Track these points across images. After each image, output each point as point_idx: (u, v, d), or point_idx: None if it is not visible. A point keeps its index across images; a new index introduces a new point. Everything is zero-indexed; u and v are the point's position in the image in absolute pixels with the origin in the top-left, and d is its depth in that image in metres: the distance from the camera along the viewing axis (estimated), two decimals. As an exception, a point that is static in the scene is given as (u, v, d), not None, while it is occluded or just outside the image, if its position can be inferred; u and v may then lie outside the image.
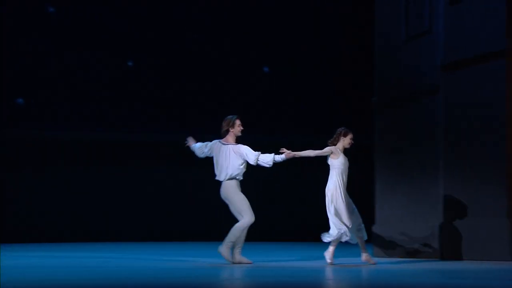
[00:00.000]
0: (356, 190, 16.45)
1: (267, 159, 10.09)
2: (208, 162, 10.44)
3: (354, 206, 10.04)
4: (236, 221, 10.14)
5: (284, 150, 10.03)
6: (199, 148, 10.44)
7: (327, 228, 9.93)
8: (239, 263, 10.04)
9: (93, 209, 18.15)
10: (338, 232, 9.87)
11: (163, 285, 6.99)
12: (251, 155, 10.11)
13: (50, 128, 17.98)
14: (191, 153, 10.51)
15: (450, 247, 10.99)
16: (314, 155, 10.09)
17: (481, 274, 8.28)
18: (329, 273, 8.62)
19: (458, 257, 10.84)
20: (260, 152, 10.13)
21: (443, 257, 11.02)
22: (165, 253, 12.91)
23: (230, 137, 10.25)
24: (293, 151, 10.05)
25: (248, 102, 18.57)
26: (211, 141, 10.38)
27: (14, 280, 7.32)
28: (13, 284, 6.87)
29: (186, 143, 10.54)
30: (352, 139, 10.10)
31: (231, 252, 10.09)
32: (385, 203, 12.32)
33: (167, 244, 16.63)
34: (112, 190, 18.40)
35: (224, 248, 10.04)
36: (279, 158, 10.08)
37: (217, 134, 10.40)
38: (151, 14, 18.67)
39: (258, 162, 10.13)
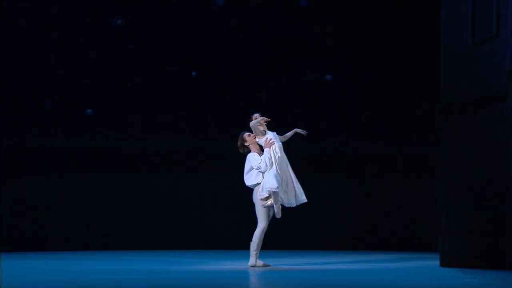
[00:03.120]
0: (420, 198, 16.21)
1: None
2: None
3: None
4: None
5: None
6: None
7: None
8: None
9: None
10: None
11: None
12: (254, 163, 11.27)
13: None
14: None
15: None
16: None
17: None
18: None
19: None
20: (260, 164, 11.19)
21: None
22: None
23: (252, 148, 11.42)
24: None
25: (310, 109, 18.51)
26: None
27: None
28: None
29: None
30: None
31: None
32: (450, 210, 12.05)
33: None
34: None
35: (252, 260, 10.96)
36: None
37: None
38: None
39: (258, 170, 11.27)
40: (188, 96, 18.68)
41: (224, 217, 18.30)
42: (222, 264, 12.14)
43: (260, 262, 11.17)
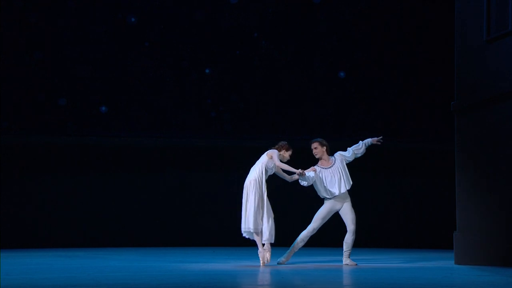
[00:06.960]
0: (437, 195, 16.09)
1: None
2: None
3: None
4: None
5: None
6: None
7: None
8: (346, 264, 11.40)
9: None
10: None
11: None
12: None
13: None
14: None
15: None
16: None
17: None
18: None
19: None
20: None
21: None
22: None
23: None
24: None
25: (322, 106, 18.47)
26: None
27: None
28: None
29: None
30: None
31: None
32: (467, 208, 12.00)
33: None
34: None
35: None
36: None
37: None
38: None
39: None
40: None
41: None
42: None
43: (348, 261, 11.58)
